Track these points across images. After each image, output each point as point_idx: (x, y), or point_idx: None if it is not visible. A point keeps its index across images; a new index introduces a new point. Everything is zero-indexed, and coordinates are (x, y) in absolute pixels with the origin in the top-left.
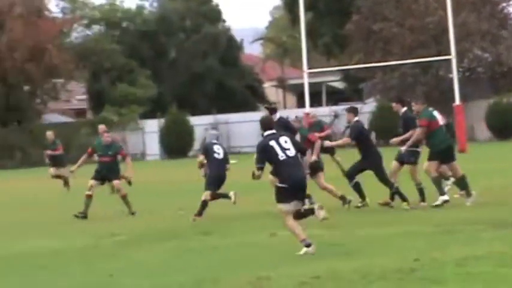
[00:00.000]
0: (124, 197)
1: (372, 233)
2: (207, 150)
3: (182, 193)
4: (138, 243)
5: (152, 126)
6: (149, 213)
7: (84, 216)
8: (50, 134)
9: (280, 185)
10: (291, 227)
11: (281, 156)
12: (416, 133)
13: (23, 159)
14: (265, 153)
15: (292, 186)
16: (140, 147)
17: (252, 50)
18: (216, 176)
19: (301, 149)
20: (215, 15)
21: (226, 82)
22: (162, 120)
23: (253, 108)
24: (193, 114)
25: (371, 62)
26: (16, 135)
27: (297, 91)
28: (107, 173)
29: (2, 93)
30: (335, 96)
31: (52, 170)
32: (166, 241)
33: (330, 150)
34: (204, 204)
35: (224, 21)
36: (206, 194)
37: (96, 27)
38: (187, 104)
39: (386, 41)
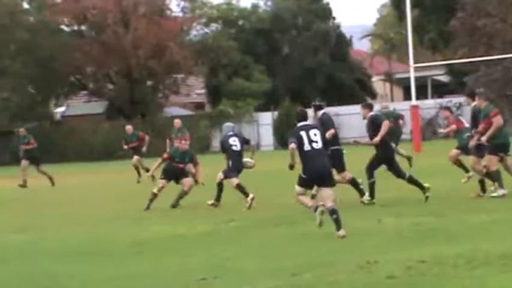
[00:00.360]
0: (186, 193)
1: (476, 219)
2: (224, 144)
3: (295, 181)
4: (254, 229)
5: (266, 119)
6: (264, 200)
7: (148, 208)
8: (129, 128)
9: (301, 175)
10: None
11: (306, 147)
12: (496, 122)
13: (147, 150)
14: (296, 138)
15: (309, 178)
16: (255, 139)
17: (361, 46)
18: (236, 167)
19: (325, 144)
20: (325, 13)
21: (336, 76)
22: (276, 113)
23: (361, 101)
24: (305, 107)
25: (475, 56)
26: (140, 127)
27: (404, 84)
28: (178, 175)
29: (127, 88)
30: (440, 89)
31: (134, 160)
32: (280, 227)
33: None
34: (240, 188)
35: (334, 18)
36: (233, 181)
37: (214, 26)
38: (299, 97)
39: (489, 36)
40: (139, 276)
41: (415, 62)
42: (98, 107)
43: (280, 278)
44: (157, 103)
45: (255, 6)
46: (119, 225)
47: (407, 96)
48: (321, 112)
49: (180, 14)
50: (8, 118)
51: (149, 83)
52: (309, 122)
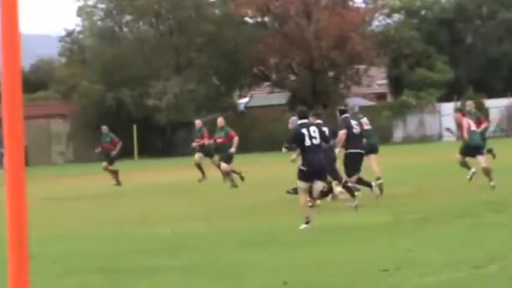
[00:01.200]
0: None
1: None
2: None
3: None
4: (435, 220)
5: (449, 109)
6: (444, 191)
7: (294, 192)
8: (198, 123)
9: (301, 167)
10: (302, 203)
11: (307, 142)
12: None
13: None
14: (296, 138)
15: (309, 170)
16: (437, 129)
17: None
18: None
19: (325, 139)
20: (511, 2)
21: None
22: (459, 103)
23: None
24: (489, 97)
25: None
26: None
27: None
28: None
29: (309, 79)
30: None
31: (197, 157)
32: (460, 218)
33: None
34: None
35: None
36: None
37: (396, 16)
38: (483, 87)
39: None
40: (315, 265)
41: None
42: (280, 97)
43: (462, 269)
44: (339, 94)
45: None
46: (294, 215)
47: None
48: (343, 116)
49: (363, 5)
50: (194, 109)
51: (331, 73)
52: (307, 120)
